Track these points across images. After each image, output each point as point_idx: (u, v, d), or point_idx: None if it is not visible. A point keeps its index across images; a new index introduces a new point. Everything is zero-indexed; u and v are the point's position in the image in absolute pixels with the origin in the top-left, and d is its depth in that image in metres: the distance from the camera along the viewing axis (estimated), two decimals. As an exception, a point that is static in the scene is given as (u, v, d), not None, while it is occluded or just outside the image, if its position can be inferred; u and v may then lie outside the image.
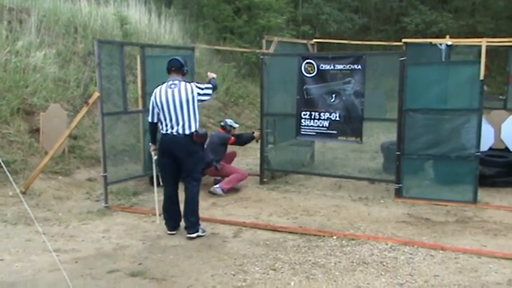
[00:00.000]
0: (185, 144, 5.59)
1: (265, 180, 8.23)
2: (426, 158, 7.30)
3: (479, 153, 6.82)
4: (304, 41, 9.71)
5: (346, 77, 7.42)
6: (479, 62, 6.59)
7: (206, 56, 14.38)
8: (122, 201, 7.08)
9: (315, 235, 5.58)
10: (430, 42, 8.38)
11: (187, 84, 5.66)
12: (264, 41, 8.64)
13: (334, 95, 7.54)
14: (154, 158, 6.16)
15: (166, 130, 5.63)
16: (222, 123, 8.22)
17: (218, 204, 7.03)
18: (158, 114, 5.70)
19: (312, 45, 9.44)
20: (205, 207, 6.86)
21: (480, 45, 6.71)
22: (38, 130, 8.10)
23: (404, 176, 7.21)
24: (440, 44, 8.06)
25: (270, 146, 8.63)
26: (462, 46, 9.16)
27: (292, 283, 4.38)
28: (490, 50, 8.68)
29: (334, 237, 5.52)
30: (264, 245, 5.36)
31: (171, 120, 5.59)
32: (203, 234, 5.64)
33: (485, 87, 6.96)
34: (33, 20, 9.86)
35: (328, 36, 17.61)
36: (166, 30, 13.27)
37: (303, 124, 7.82)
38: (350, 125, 7.49)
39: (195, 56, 8.77)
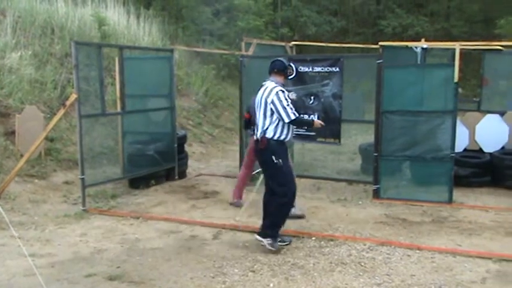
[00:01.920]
0: (258, 150, 5.32)
1: (244, 182, 8.22)
2: (403, 159, 7.40)
3: (454, 154, 6.95)
4: (283, 43, 9.76)
5: (324, 79, 7.48)
6: (454, 65, 6.72)
7: (185, 57, 14.35)
8: (99, 204, 7.02)
9: (293, 236, 5.61)
10: (406, 46, 8.51)
11: (273, 85, 5.25)
12: (243, 43, 8.65)
13: (312, 97, 7.59)
14: None
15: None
16: None
17: (198, 206, 7.02)
18: None
19: (291, 47, 9.49)
20: (185, 209, 6.87)
21: (454, 49, 6.84)
22: (13, 132, 7.98)
23: (381, 177, 7.30)
24: (416, 47, 8.19)
25: (249, 147, 8.63)
26: (437, 49, 9.32)
27: (271, 284, 4.40)
28: (465, 53, 8.84)
29: (313, 238, 5.56)
30: (244, 246, 5.37)
31: (256, 121, 5.40)
32: (270, 248, 5.14)
33: (459, 90, 7.10)
34: (9, 21, 9.71)
35: (307, 38, 17.75)
36: (145, 32, 13.20)
37: (282, 126, 7.84)
38: (328, 127, 7.50)
39: (174, 58, 8.74)
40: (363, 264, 4.82)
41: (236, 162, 8.68)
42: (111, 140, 8.73)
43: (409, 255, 5.02)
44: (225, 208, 6.91)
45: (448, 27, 21.94)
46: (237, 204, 6.93)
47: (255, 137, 5.40)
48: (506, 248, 5.18)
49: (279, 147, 5.21)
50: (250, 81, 8.29)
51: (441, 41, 10.27)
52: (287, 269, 4.73)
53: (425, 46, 8.28)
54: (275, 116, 5.14)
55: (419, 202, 6.97)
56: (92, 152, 8.11)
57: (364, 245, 5.33)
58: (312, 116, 7.59)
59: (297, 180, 8.28)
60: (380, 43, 7.48)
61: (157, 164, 8.19)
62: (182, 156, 8.86)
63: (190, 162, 9.36)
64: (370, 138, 7.96)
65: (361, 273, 4.60)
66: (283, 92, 5.19)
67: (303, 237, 5.59)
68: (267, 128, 5.18)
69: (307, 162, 9.63)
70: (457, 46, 6.82)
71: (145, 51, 10.21)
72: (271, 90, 5.17)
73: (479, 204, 6.94)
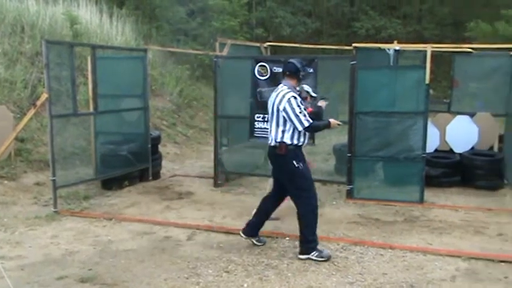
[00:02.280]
0: (273, 156, 5.15)
1: (219, 182, 8.23)
2: (376, 159, 7.49)
3: (425, 155, 7.07)
4: (258, 44, 9.78)
5: (298, 80, 7.49)
6: (425, 67, 6.84)
7: (159, 58, 14.24)
8: (71, 206, 6.92)
9: (268, 237, 5.62)
10: (379, 47, 8.62)
11: (285, 91, 5.01)
12: (217, 44, 8.64)
13: (287, 98, 7.60)
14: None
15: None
16: (298, 89, 7.19)
17: (172, 207, 6.97)
18: None
19: (265, 48, 9.52)
20: (159, 210, 6.82)
21: (426, 51, 6.96)
22: (-18, 133, 7.80)
23: (355, 177, 7.37)
24: (389, 49, 8.31)
25: (223, 148, 8.64)
26: (409, 51, 9.48)
27: (245, 285, 4.41)
28: (436, 55, 9.01)
29: (287, 238, 5.58)
30: (218, 247, 5.36)
31: (268, 126, 5.23)
32: (319, 259, 4.92)
33: (431, 91, 7.23)
34: (-23, 19, 9.50)
35: (282, 39, 17.80)
36: (119, 31, 13.05)
37: (257, 126, 7.87)
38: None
39: (147, 58, 8.68)
40: (336, 263, 4.86)
41: (210, 162, 8.65)
42: (83, 140, 8.61)
43: (381, 255, 5.09)
44: (199, 209, 6.88)
45: (420, 29, 22.29)
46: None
47: (271, 143, 5.10)
48: (475, 247, 5.30)
49: (298, 152, 5.06)
50: (224, 82, 8.29)
51: (413, 43, 10.45)
52: (261, 269, 4.74)
53: (397, 48, 8.42)
54: (288, 123, 4.97)
55: (392, 202, 7.06)
56: (63, 152, 7.98)
57: (338, 244, 5.37)
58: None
59: (272, 181, 8.40)
60: (353, 44, 7.57)
61: (131, 164, 8.11)
62: (156, 157, 8.79)
63: (164, 162, 9.30)
64: (344, 139, 8.03)
65: (334, 273, 4.64)
66: (295, 98, 4.96)
67: (277, 238, 5.60)
68: (283, 134, 4.99)
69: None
70: (428, 48, 6.94)
71: (119, 51, 10.10)
72: (283, 96, 4.96)
73: (449, 204, 7.07)
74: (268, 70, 7.66)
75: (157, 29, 16.20)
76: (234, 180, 8.58)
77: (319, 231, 5.81)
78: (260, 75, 7.72)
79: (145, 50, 8.86)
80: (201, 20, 16.95)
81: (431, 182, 7.65)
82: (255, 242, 5.37)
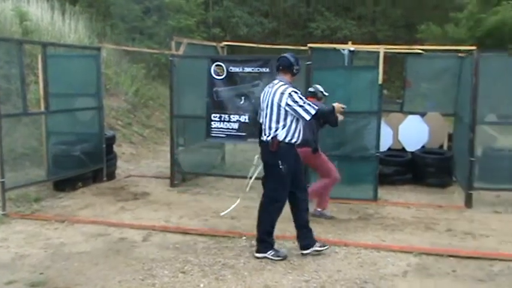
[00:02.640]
0: (264, 152, 5.09)
1: (175, 182, 8.17)
2: (331, 158, 7.57)
3: (379, 154, 7.23)
4: (214, 44, 9.75)
5: (255, 80, 7.55)
6: (378, 68, 6.99)
7: (114, 56, 13.97)
8: (21, 208, 6.71)
9: (224, 236, 5.63)
10: (334, 48, 8.75)
11: (283, 86, 4.93)
12: (173, 43, 8.55)
13: (243, 98, 7.64)
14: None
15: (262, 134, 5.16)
16: (312, 89, 6.56)
17: (127, 208, 6.86)
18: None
19: (222, 47, 9.50)
20: (114, 211, 6.70)
21: (379, 52, 7.12)
22: None
23: (310, 176, 7.44)
24: (343, 50, 8.44)
25: (180, 148, 8.57)
26: (364, 52, 9.65)
27: (201, 285, 4.39)
28: (389, 57, 9.20)
29: (244, 237, 5.60)
30: (174, 248, 5.32)
31: (262, 123, 5.12)
32: (274, 258, 4.95)
33: (384, 91, 7.39)
34: None
35: (239, 39, 17.79)
36: (71, 29, 12.72)
37: (213, 126, 7.85)
38: (259, 127, 7.59)
39: (101, 57, 8.51)
40: (292, 262, 4.91)
41: (167, 162, 8.57)
42: (34, 140, 8.37)
43: (336, 252, 5.17)
44: (155, 209, 6.80)
45: (374, 31, 22.77)
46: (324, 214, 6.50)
47: (264, 138, 5.04)
48: (425, 242, 5.45)
49: (290, 151, 4.99)
50: (181, 81, 8.24)
51: (367, 44, 10.64)
52: (218, 269, 4.74)
53: (352, 49, 8.56)
54: (289, 118, 4.89)
55: (347, 200, 7.18)
56: (13, 153, 7.73)
57: (294, 243, 5.40)
58: (243, 116, 7.64)
59: (229, 181, 8.41)
60: (309, 45, 7.65)
61: (84, 165, 7.94)
62: (111, 157, 8.64)
63: (119, 163, 9.15)
64: (300, 138, 8.10)
65: (290, 271, 4.68)
66: (295, 92, 4.90)
67: (233, 237, 5.61)
68: (277, 130, 4.92)
69: (239, 163, 9.66)
70: (381, 49, 7.10)
71: (71, 49, 9.86)
72: (282, 92, 4.86)
73: (401, 201, 7.26)
74: (225, 70, 7.66)
75: (112, 27, 15.90)
76: (190, 180, 8.53)
77: (276, 231, 5.87)
78: (216, 75, 7.71)
79: (99, 49, 8.68)
80: (156, 19, 16.73)
81: (384, 180, 7.82)
82: (318, 248, 5.09)
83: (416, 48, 8.84)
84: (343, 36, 21.04)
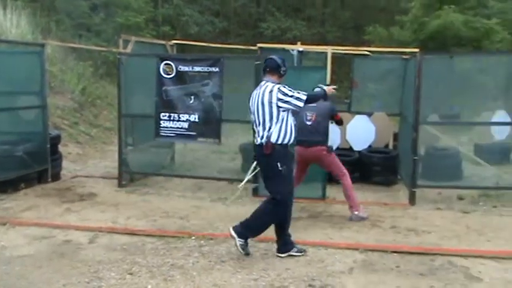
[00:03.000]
0: (259, 156, 5.05)
1: (123, 183, 8.03)
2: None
3: (327, 153, 7.34)
4: (163, 42, 9.64)
5: (204, 79, 7.52)
6: (326, 68, 7.11)
7: (60, 53, 13.58)
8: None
9: (173, 237, 5.57)
10: (283, 48, 8.83)
11: (271, 85, 4.92)
12: (121, 40, 8.40)
13: (193, 97, 7.59)
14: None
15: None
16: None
17: (73, 209, 6.69)
18: None
19: (171, 46, 9.40)
20: (59, 213, 6.52)
21: (327, 52, 7.25)
22: None
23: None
24: (293, 50, 8.54)
25: (129, 147, 8.43)
26: (313, 52, 9.79)
27: (149, 286, 4.33)
28: (338, 57, 9.40)
29: (193, 237, 5.56)
30: (121, 249, 5.22)
31: (254, 126, 5.08)
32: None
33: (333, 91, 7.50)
34: None
35: (190, 38, 17.69)
36: (13, 24, 12.24)
37: (162, 125, 7.76)
38: (209, 127, 7.60)
39: (46, 53, 8.25)
40: (241, 261, 4.92)
41: (115, 163, 8.40)
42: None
43: (285, 250, 5.22)
44: (102, 210, 6.66)
45: (323, 32, 23.18)
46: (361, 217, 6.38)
47: (258, 141, 4.99)
48: (371, 239, 5.59)
49: (285, 152, 4.96)
50: (129, 80, 8.10)
51: (317, 44, 10.80)
52: (166, 269, 4.69)
53: (301, 49, 8.67)
54: (281, 115, 4.87)
55: (297, 199, 7.16)
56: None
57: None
58: (192, 115, 7.59)
59: (179, 181, 8.35)
60: (258, 45, 7.70)
61: (28, 165, 7.67)
62: (56, 158, 8.38)
63: (65, 163, 8.90)
64: (251, 137, 8.14)
65: (239, 270, 4.69)
66: (284, 86, 4.92)
67: (183, 238, 5.56)
68: (271, 132, 4.87)
69: (189, 162, 9.63)
70: (329, 50, 7.24)
71: (13, 45, 9.50)
72: (271, 90, 4.87)
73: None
74: (174, 69, 7.58)
75: (57, 23, 15.45)
76: (139, 180, 8.40)
77: (226, 230, 5.87)
78: (165, 74, 7.63)
79: (43, 45, 8.41)
80: (104, 16, 16.40)
81: (333, 179, 7.94)
82: (294, 253, 5.07)
83: (363, 50, 9.05)
84: (293, 36, 21.29)
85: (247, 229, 5.02)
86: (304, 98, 4.93)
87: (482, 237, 5.74)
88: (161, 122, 7.74)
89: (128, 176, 8.22)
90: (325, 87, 5.56)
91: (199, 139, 7.72)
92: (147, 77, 7.92)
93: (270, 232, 5.74)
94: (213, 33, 22.05)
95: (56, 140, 8.49)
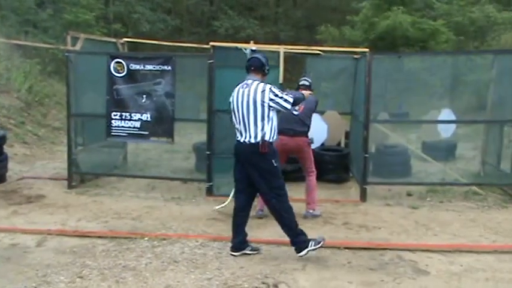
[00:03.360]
0: (250, 154, 5.00)
1: (73, 184, 7.82)
2: (234, 158, 7.66)
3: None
4: (114, 40, 9.45)
5: (156, 78, 7.42)
6: (279, 67, 7.16)
7: (5, 51, 13.10)
8: None
9: (125, 238, 5.48)
10: (236, 47, 8.82)
11: (261, 84, 4.99)
12: (69, 38, 8.16)
13: (145, 96, 7.48)
14: None
15: (237, 136, 5.12)
16: (306, 83, 6.63)
17: (20, 212, 6.47)
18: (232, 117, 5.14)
19: (122, 44, 9.22)
20: (5, 215, 6.30)
21: (280, 51, 7.30)
22: None
23: (214, 174, 7.48)
24: (245, 49, 8.53)
25: (79, 148, 8.22)
26: (266, 51, 9.82)
27: (100, 289, 4.25)
28: (292, 56, 9.47)
29: (146, 238, 5.49)
30: (71, 252, 5.09)
31: (239, 124, 5.04)
32: (316, 246, 4.95)
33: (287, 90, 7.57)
34: None
35: (141, 36, 17.43)
36: (-45, 20, 11.75)
37: (114, 125, 7.61)
38: (161, 126, 7.51)
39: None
40: (194, 260, 4.89)
41: (65, 163, 8.17)
42: None
43: (239, 249, 5.23)
44: (51, 213, 6.47)
45: (276, 31, 23.35)
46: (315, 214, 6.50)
47: (247, 140, 4.98)
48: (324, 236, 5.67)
49: (274, 148, 5.06)
50: (78, 78, 7.90)
51: (270, 43, 10.85)
52: (118, 271, 4.61)
53: (254, 48, 8.66)
54: (271, 114, 4.96)
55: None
56: None
57: (197, 241, 5.41)
58: (145, 114, 7.49)
59: (131, 181, 8.22)
60: (211, 43, 7.67)
61: (-29, 167, 7.36)
62: (1, 159, 8.07)
63: (11, 164, 8.57)
64: (205, 136, 8.11)
65: (192, 270, 4.67)
66: (274, 87, 5.05)
67: (135, 238, 5.48)
68: (264, 131, 4.93)
69: (142, 162, 9.49)
70: (281, 49, 7.29)
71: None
72: (263, 90, 4.92)
73: (303, 198, 7.47)
74: (125, 67, 7.45)
75: (2, 19, 14.87)
76: (90, 181, 8.21)
77: (179, 230, 5.85)
78: (116, 72, 7.48)
79: (-14, 42, 8.09)
80: (52, 12, 15.93)
81: (287, 177, 7.93)
82: (249, 252, 5.11)
83: (315, 49, 9.15)
84: (246, 35, 21.37)
85: (296, 234, 5.02)
86: (291, 100, 5.04)
87: (429, 231, 5.94)
88: (112, 121, 7.59)
89: (78, 177, 8.01)
90: (303, 92, 5.80)
91: (152, 138, 7.62)
92: (98, 76, 7.75)
93: (224, 232, 5.77)
94: (165, 31, 21.82)
95: (1, 141, 8.17)
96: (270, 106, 4.95)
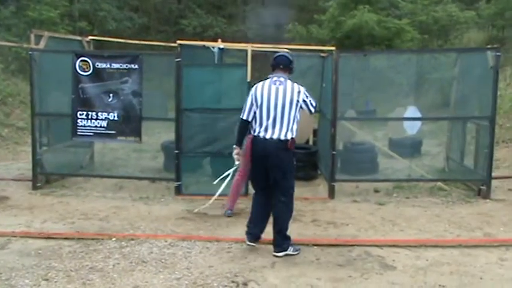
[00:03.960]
0: (277, 151, 4.97)
1: (38, 185, 7.66)
2: (203, 155, 7.67)
3: (249, 149, 7.40)
4: (79, 38, 9.28)
5: (123, 77, 7.34)
6: (246, 65, 7.17)
7: (-36, 48, 12.73)
8: None
9: (92, 239, 5.40)
10: (204, 45, 8.80)
11: (296, 84, 5.07)
12: (32, 36, 7.97)
13: (111, 95, 7.39)
14: (237, 163, 5.51)
15: (259, 132, 5.02)
16: None
17: (-19, 215, 6.30)
18: (255, 112, 5.04)
19: (88, 42, 9.07)
20: (-34, 219, 6.11)
21: (247, 50, 7.31)
22: None
23: (183, 173, 7.44)
24: (213, 47, 8.53)
25: (44, 148, 8.05)
26: (234, 50, 9.83)
27: (67, 291, 4.18)
28: (260, 55, 9.48)
29: (113, 239, 5.42)
30: (36, 254, 4.99)
31: (267, 119, 4.98)
32: (294, 253, 5.05)
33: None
34: None
35: (108, 34, 17.15)
36: None
37: (80, 124, 7.49)
38: (129, 125, 7.43)
39: None
40: (163, 260, 4.86)
41: (29, 164, 7.99)
42: None
43: (208, 248, 5.22)
44: (15, 214, 6.33)
45: (244, 29, 23.32)
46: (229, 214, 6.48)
47: (276, 137, 4.98)
48: (293, 233, 5.58)
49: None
50: (43, 77, 7.74)
51: (238, 42, 10.85)
52: (85, 273, 4.53)
53: (221, 46, 8.68)
54: (298, 113, 5.08)
55: (219, 196, 7.24)
56: None
57: (166, 241, 5.37)
58: (111, 113, 7.40)
59: (98, 181, 8.11)
60: (178, 42, 7.62)
61: None
62: (-38, 160, 7.86)
63: (-28, 166, 8.36)
64: (173, 135, 8.05)
65: (161, 270, 4.64)
66: (305, 89, 5.18)
67: (102, 239, 5.40)
68: (293, 130, 5.03)
69: (109, 162, 9.37)
70: (249, 48, 7.30)
71: None
72: (299, 91, 5.04)
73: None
74: (91, 65, 7.34)
75: (-39, 16, 14.46)
76: (56, 182, 8.05)
77: (148, 230, 5.80)
78: (82, 71, 7.36)
79: None
80: (14, 9, 15.52)
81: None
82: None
83: (282, 48, 9.18)
84: (214, 33, 21.27)
85: (284, 237, 5.10)
86: (315, 104, 5.26)
87: (396, 227, 6.05)
88: (78, 120, 7.47)
89: (43, 178, 7.85)
90: None
91: (119, 138, 7.53)
92: (63, 74, 7.61)
93: (193, 231, 5.75)
94: (132, 29, 21.53)
95: (-38, 141, 7.96)
96: (300, 106, 5.08)
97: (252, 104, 5.09)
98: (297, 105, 5.04)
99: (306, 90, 5.23)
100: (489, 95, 7.20)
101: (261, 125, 5.03)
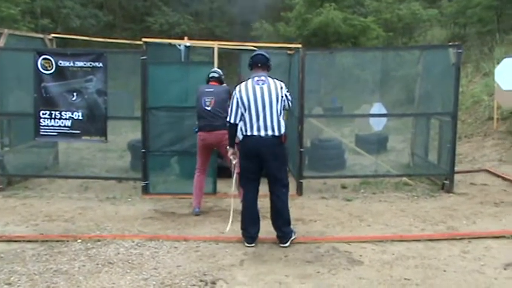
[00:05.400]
0: (274, 147, 5.16)
1: (0, 187, 7.45)
2: (170, 154, 7.60)
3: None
4: (41, 35, 9.06)
5: (87, 75, 7.22)
6: (213, 63, 7.14)
7: None
8: None
9: (57, 241, 5.28)
10: (170, 43, 8.72)
11: (277, 81, 5.26)
12: (-9, 33, 7.75)
13: (75, 93, 7.26)
14: (234, 162, 5.58)
15: (252, 132, 5.13)
16: (215, 74, 6.68)
17: None
18: (242, 114, 5.16)
19: (51, 40, 8.87)
20: None
21: (214, 48, 7.28)
22: None
23: (150, 172, 7.37)
24: (180, 45, 8.46)
25: (5, 149, 7.84)
26: (201, 48, 9.78)
27: (30, 296, 4.08)
28: (227, 53, 9.46)
29: (79, 240, 5.32)
30: (-2, 258, 4.86)
31: (257, 120, 5.12)
32: (295, 236, 5.32)
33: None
34: None
35: (72, 31, 16.82)
36: None
37: (43, 124, 7.33)
38: (94, 124, 7.32)
39: None
40: (130, 261, 4.79)
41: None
42: None
43: (176, 247, 5.17)
44: (-25, 218, 6.14)
45: (212, 27, 23.24)
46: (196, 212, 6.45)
47: (270, 134, 5.12)
48: (261, 231, 5.63)
49: None
50: (3, 76, 7.55)
51: (205, 40, 10.80)
52: (49, 276, 4.43)
53: (188, 44, 8.62)
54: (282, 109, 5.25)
55: (187, 195, 7.16)
56: None
57: (133, 242, 5.30)
58: (76, 113, 7.26)
59: (63, 182, 7.95)
60: (143, 39, 7.53)
61: None
62: None
63: None
64: (140, 134, 7.96)
65: (128, 271, 4.57)
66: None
67: (67, 241, 5.29)
68: (282, 125, 5.18)
69: (74, 162, 9.21)
70: (215, 45, 7.27)
71: None
72: (281, 87, 5.21)
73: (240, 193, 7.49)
74: (54, 64, 7.19)
75: None
76: (18, 183, 7.87)
77: (115, 230, 5.71)
78: (44, 69, 7.20)
79: None
80: (-27, 6, 15.08)
81: (224, 173, 7.99)
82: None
83: (249, 45, 9.18)
84: (181, 31, 21.11)
85: (290, 226, 5.33)
86: (291, 100, 5.44)
87: (363, 222, 6.12)
88: (41, 120, 7.31)
89: (5, 179, 7.65)
90: None
91: (84, 137, 7.40)
92: (25, 73, 7.44)
93: (160, 230, 5.70)
94: (97, 27, 21.18)
95: None
96: (283, 102, 5.24)
97: (238, 107, 5.19)
98: (282, 100, 5.21)
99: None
100: (451, 91, 7.35)
101: (251, 126, 5.15)
